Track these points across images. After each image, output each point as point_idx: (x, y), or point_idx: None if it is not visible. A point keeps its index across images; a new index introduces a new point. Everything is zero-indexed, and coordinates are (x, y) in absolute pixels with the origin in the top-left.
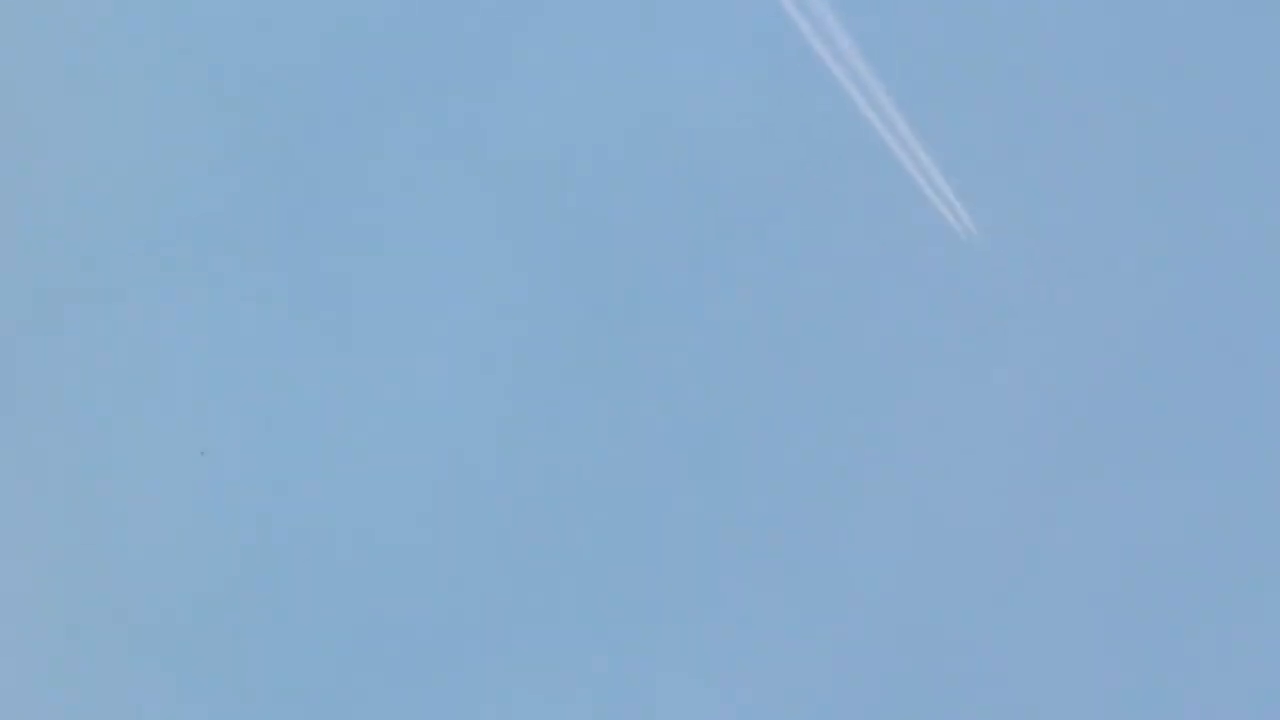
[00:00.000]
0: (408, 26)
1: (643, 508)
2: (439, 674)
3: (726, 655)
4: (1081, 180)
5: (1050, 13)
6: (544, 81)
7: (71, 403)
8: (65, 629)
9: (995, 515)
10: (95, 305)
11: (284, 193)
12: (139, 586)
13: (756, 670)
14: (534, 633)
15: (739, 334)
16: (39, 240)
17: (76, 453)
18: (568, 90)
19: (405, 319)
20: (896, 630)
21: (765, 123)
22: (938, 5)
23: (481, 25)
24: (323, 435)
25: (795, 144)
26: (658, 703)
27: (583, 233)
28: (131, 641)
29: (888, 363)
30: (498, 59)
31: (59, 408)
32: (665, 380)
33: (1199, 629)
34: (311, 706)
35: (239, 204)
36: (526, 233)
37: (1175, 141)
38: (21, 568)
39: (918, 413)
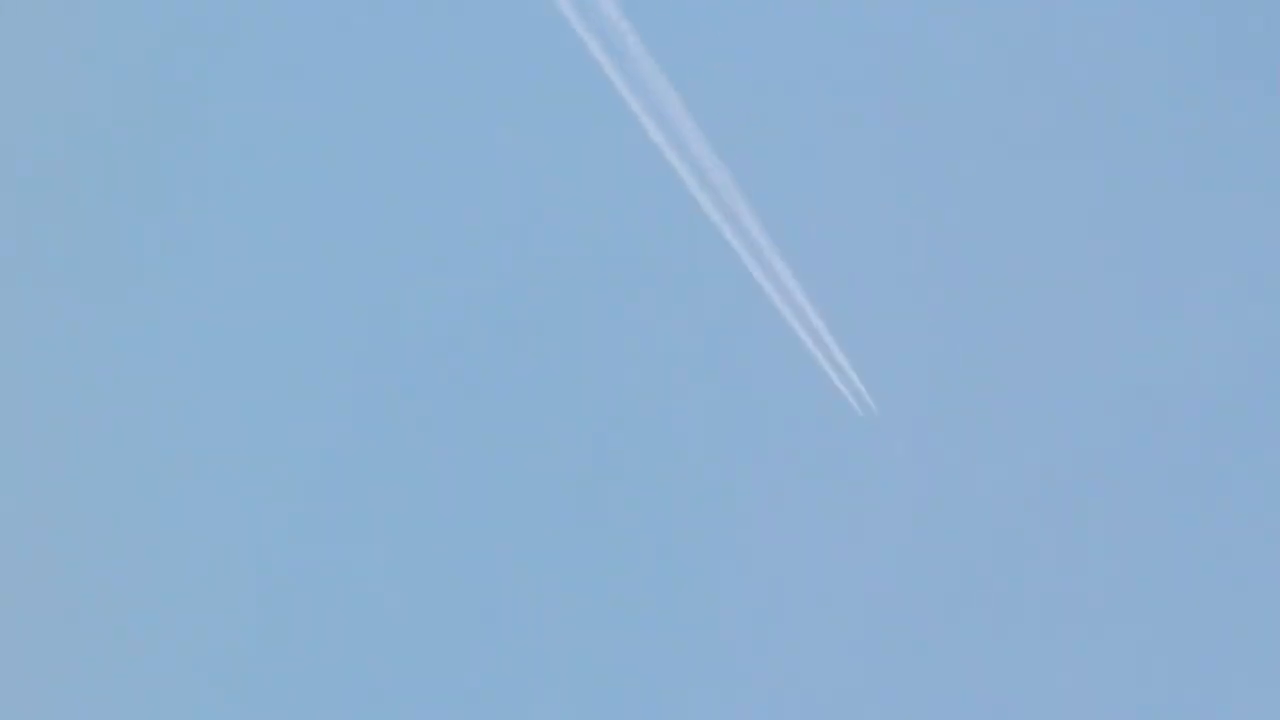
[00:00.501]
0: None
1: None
2: None
3: None
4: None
5: (948, 207)
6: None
7: None
8: None
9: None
10: None
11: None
12: None
13: None
14: None
15: (632, 504)
16: None
17: None
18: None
19: None
20: None
21: (664, 293)
22: (844, 197)
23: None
24: None
25: (691, 314)
26: None
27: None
28: None
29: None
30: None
31: None
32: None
33: None
34: None
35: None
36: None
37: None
38: None
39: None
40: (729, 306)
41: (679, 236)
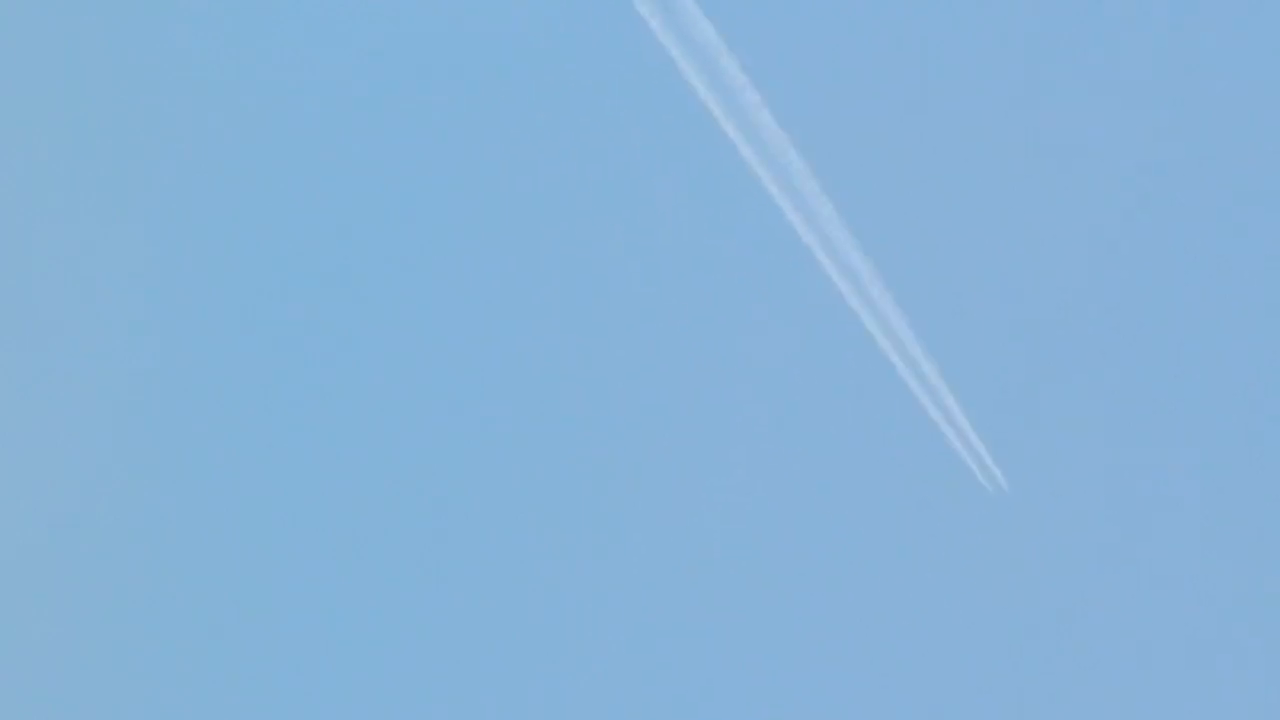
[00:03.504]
0: None
1: None
2: None
3: None
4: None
5: (1079, 275)
6: None
7: None
8: None
9: None
10: None
11: None
12: None
13: None
14: None
15: (787, 588)
16: None
17: None
18: None
19: None
20: None
21: (804, 378)
22: (970, 269)
23: None
24: None
25: (829, 393)
26: None
27: None
28: None
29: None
30: None
31: None
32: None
33: None
34: None
35: None
36: None
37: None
38: None
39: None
40: (851, 371)
41: (802, 301)
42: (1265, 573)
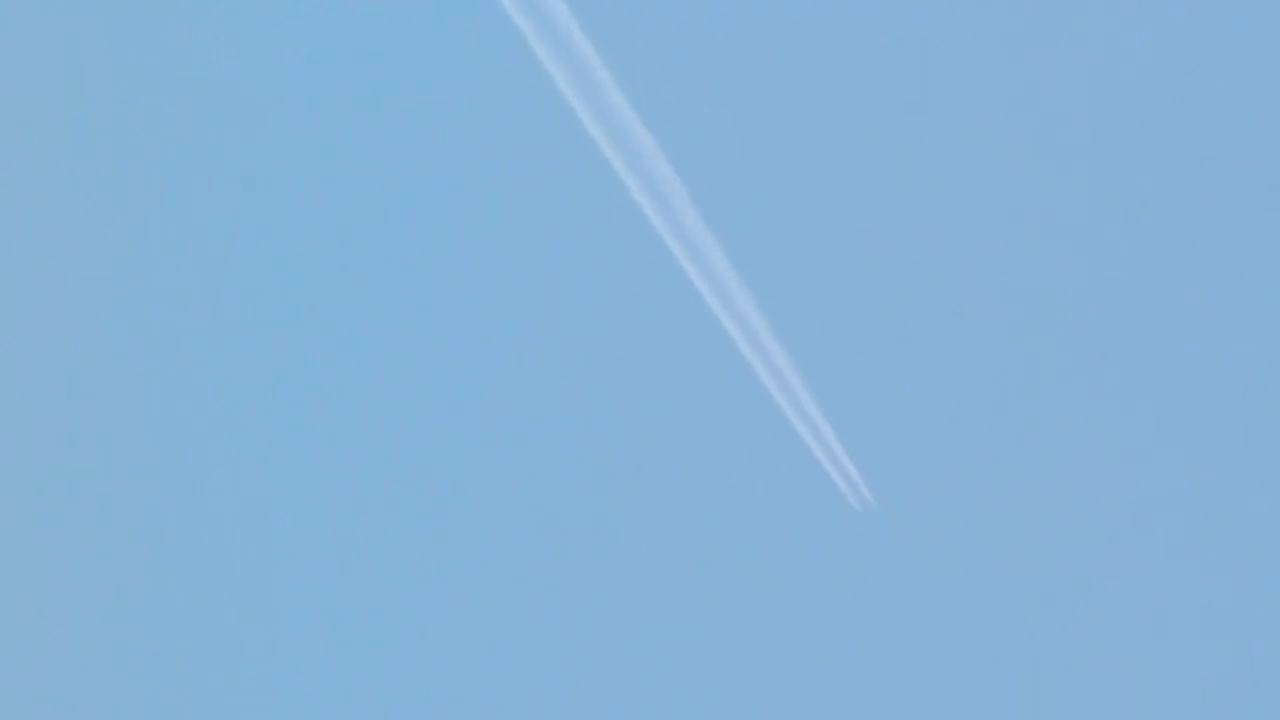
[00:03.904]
0: None
1: None
2: None
3: None
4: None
5: (951, 285)
6: None
7: None
8: None
9: None
10: None
11: None
12: None
13: None
14: None
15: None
16: None
17: None
18: None
19: None
20: None
21: (658, 379)
22: (843, 279)
23: None
24: None
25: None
26: None
27: None
28: None
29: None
30: None
31: None
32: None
33: None
34: None
35: None
36: None
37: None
38: None
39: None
40: (714, 383)
41: (663, 310)
42: (1144, 576)
